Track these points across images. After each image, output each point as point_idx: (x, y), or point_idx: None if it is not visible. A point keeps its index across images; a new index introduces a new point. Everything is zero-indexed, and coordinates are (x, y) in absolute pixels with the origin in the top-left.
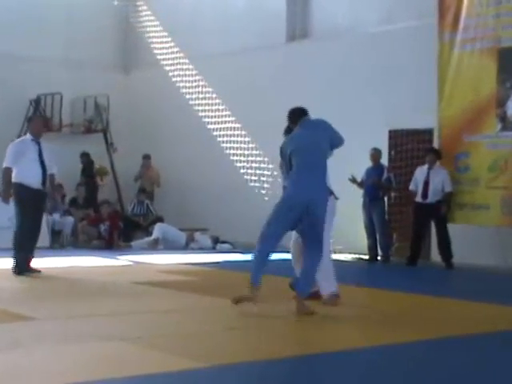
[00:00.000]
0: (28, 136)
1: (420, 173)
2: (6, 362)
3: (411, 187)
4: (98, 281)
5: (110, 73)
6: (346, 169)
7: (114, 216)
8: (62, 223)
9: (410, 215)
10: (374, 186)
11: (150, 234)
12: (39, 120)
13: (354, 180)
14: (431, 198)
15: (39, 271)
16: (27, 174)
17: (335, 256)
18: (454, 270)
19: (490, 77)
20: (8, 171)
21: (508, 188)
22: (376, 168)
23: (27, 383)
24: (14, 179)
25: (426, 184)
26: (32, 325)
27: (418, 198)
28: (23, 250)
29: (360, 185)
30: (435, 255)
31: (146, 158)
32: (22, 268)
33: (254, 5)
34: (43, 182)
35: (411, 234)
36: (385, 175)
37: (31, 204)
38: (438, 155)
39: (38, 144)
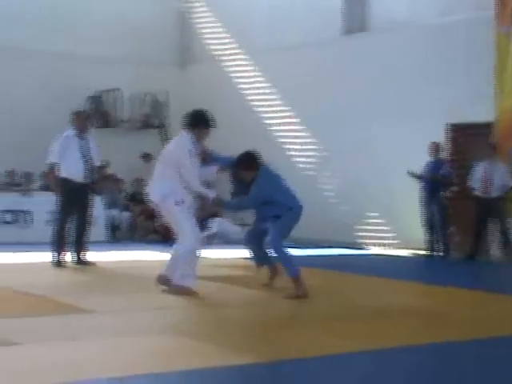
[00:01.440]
0: (72, 131)
1: (479, 169)
2: (66, 353)
3: (470, 183)
4: (153, 275)
5: (168, 68)
6: (403, 162)
7: None
8: (119, 218)
9: (471, 211)
10: (434, 181)
11: (207, 228)
12: (82, 115)
13: (412, 174)
14: (492, 194)
15: (94, 264)
16: (71, 169)
17: (393, 251)
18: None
19: None
20: (54, 166)
21: None
22: (436, 162)
23: (85, 374)
24: (60, 174)
25: (487, 180)
26: (91, 317)
27: (478, 194)
28: (63, 243)
29: (420, 178)
30: (494, 250)
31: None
32: (60, 261)
33: None
34: (87, 176)
35: (472, 230)
36: (444, 169)
37: (76, 198)
38: (496, 150)
39: (82, 139)
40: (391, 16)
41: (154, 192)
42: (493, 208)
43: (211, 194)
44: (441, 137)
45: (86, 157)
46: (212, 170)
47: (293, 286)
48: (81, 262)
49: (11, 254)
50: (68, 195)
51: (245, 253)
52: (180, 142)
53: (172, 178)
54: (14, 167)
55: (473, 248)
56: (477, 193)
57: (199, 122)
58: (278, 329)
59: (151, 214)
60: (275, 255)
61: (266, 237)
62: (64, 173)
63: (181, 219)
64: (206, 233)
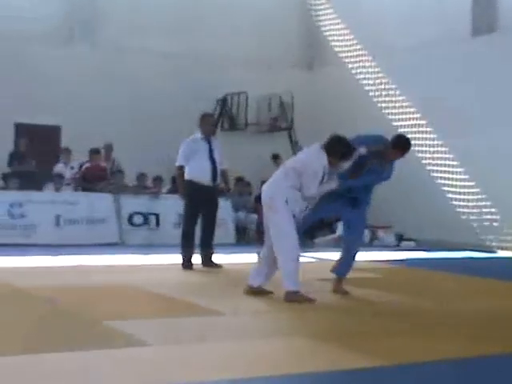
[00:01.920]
0: (198, 134)
1: None
2: (193, 354)
3: None
4: (279, 277)
5: (294, 71)
6: None
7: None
8: (246, 220)
9: None
10: None
11: (334, 231)
12: (209, 119)
13: None
14: None
15: (220, 266)
16: (198, 171)
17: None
18: None
19: None
20: (181, 169)
21: None
22: None
23: (211, 375)
24: (186, 177)
25: None
26: (220, 319)
27: None
28: (190, 245)
29: None
30: None
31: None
32: (188, 263)
33: None
34: (214, 179)
35: None
36: None
37: (202, 200)
38: None
39: (209, 142)
40: None
41: (265, 192)
42: None
43: (334, 183)
44: None
45: (212, 160)
46: (362, 150)
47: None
48: (208, 264)
49: (141, 255)
50: (194, 198)
51: (371, 255)
52: (317, 155)
53: (287, 181)
54: (144, 170)
55: None
56: None
57: (334, 151)
58: (402, 332)
59: None
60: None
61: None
62: (190, 175)
63: (283, 221)
64: (331, 236)
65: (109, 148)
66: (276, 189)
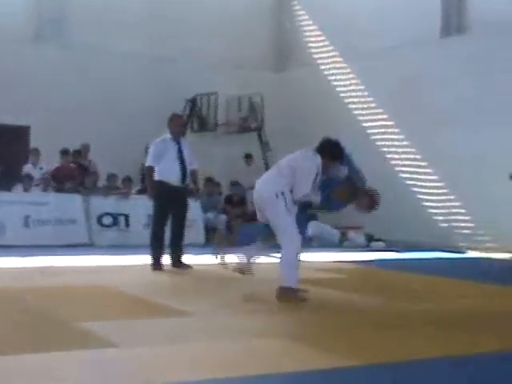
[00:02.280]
0: (168, 135)
1: None
2: (165, 355)
3: None
4: (250, 278)
5: (264, 72)
6: (502, 168)
7: None
8: (216, 221)
9: None
10: None
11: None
12: (178, 119)
13: None
14: None
15: (190, 267)
16: (168, 172)
17: (492, 255)
18: None
19: None
20: (150, 170)
21: None
22: None
23: (185, 376)
24: (156, 177)
25: None
26: (190, 320)
27: None
28: (160, 246)
29: None
30: None
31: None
32: (158, 263)
33: (408, 1)
34: (183, 179)
35: None
36: None
37: (171, 201)
38: None
39: (178, 142)
40: (492, 17)
41: (261, 190)
42: None
43: (318, 198)
44: None
45: (181, 160)
46: (344, 171)
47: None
48: (178, 264)
49: (110, 256)
50: (163, 198)
51: (341, 256)
52: (311, 155)
53: (282, 178)
54: (115, 171)
55: None
56: None
57: (325, 151)
58: (376, 332)
59: (248, 217)
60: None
61: None
62: (160, 176)
63: (283, 218)
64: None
65: (86, 148)
66: (273, 185)
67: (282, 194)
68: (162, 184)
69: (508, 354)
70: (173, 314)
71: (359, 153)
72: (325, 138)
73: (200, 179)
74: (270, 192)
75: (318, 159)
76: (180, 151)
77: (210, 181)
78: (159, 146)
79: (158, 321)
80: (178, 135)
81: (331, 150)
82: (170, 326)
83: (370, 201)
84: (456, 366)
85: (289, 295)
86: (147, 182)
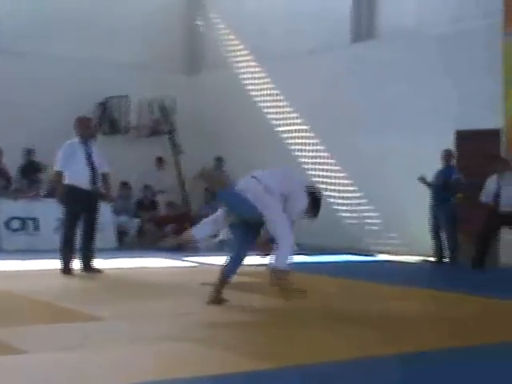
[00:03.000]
0: (76, 138)
1: (491, 183)
2: (74, 361)
3: (483, 198)
4: (165, 281)
5: (176, 75)
6: (413, 169)
7: (181, 217)
8: (128, 224)
9: (482, 220)
10: (443, 187)
11: (216, 235)
12: (84, 122)
13: (423, 180)
14: (506, 208)
15: (101, 271)
16: (77, 176)
17: (401, 258)
18: None
19: None
20: (59, 174)
21: None
22: (447, 169)
23: (93, 382)
24: (66, 181)
25: (498, 193)
26: (101, 325)
27: (494, 207)
28: (70, 251)
29: (429, 185)
30: (505, 259)
31: (219, 160)
32: (68, 268)
33: (321, 6)
34: (93, 182)
35: (479, 238)
36: (454, 176)
37: (82, 205)
38: (506, 163)
39: (87, 145)
40: (400, 24)
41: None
42: (507, 221)
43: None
44: (450, 144)
45: (90, 163)
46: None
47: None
48: (88, 269)
49: (19, 261)
50: (74, 202)
51: (254, 260)
52: (303, 196)
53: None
54: None
55: (481, 256)
56: (492, 207)
57: (313, 210)
58: (291, 334)
59: (160, 221)
60: None
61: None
62: (69, 180)
63: (275, 208)
64: (214, 240)
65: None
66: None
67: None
68: (72, 188)
69: (420, 354)
70: (82, 319)
71: (272, 155)
72: (319, 195)
73: (114, 184)
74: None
75: (306, 204)
76: (89, 154)
77: (125, 185)
78: (67, 149)
79: (68, 326)
80: (85, 138)
81: (317, 211)
82: (80, 331)
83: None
84: (369, 366)
85: (282, 277)
86: (56, 187)
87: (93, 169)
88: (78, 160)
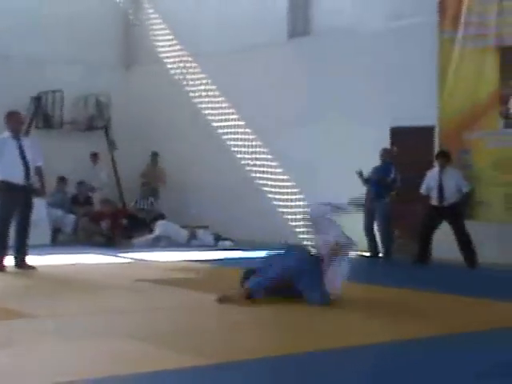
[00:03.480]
0: (7, 133)
1: (432, 176)
2: (5, 359)
3: (422, 191)
4: (99, 278)
5: (111, 70)
6: (347, 166)
7: (116, 213)
8: (63, 220)
9: (421, 215)
10: (380, 184)
11: (152, 231)
12: (15, 116)
13: (361, 175)
14: (447, 201)
15: (34, 268)
16: (10, 171)
17: None
18: (476, 269)
19: (492, 74)
20: None
21: (510, 185)
22: (384, 167)
23: (26, 381)
24: None
25: (440, 188)
26: (33, 322)
27: (434, 202)
28: (4, 247)
29: (365, 181)
30: (439, 254)
31: (154, 155)
32: (1, 265)
33: (257, 2)
34: (27, 177)
35: (420, 234)
36: (392, 174)
37: (15, 200)
38: (448, 158)
39: (18, 140)
40: (335, 21)
41: None
42: (448, 214)
43: None
44: (385, 141)
45: (23, 158)
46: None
47: None
48: (22, 265)
49: None
50: (7, 198)
51: (189, 255)
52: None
53: None
54: None
55: (422, 252)
56: (432, 202)
57: None
58: (226, 331)
59: (96, 216)
60: None
61: None
62: (2, 175)
63: None
64: (149, 236)
65: None
66: None
67: None
68: (4, 184)
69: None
70: (15, 316)
71: (209, 153)
72: None
73: (51, 179)
74: None
75: None
76: (21, 149)
77: (62, 180)
78: None
79: None
80: (17, 133)
81: None
82: (13, 329)
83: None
84: (300, 362)
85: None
86: None
87: (26, 163)
88: (9, 155)
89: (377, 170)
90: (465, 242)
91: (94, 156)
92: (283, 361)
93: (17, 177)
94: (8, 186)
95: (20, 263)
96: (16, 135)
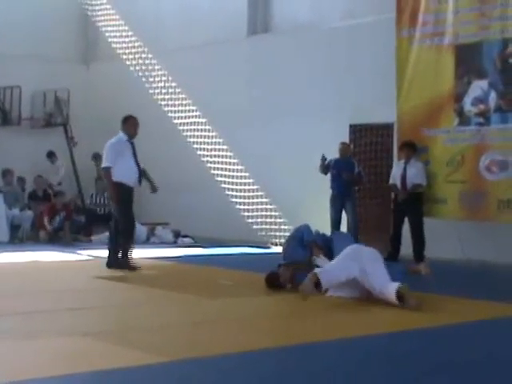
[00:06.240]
0: None
1: (397, 168)
2: None
3: (391, 182)
4: (57, 276)
5: (70, 67)
6: (307, 163)
7: (68, 206)
8: (21, 217)
9: (381, 210)
10: (349, 181)
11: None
12: None
13: (324, 159)
14: (410, 189)
15: None
16: None
17: None
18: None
19: (448, 72)
20: None
21: (465, 182)
22: (346, 162)
23: None
24: None
25: (403, 179)
26: None
27: (397, 194)
28: None
29: (325, 168)
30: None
31: (95, 157)
32: None
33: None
34: None
35: (392, 234)
36: (356, 170)
37: None
38: (413, 149)
39: None
40: (295, 18)
41: None
42: (406, 208)
43: None
44: (345, 137)
45: None
46: None
47: None
48: None
49: None
50: None
51: (148, 252)
52: None
53: None
54: None
55: (394, 249)
56: (397, 194)
57: None
58: (188, 328)
59: (50, 211)
60: None
61: None
62: None
63: None
64: (107, 233)
65: None
66: None
67: None
68: None
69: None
70: None
71: (170, 149)
72: None
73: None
74: None
75: None
76: None
77: (8, 172)
78: None
79: None
80: None
81: None
82: None
83: None
84: (258, 359)
85: None
86: None
87: None
88: None
89: (338, 164)
90: (416, 236)
91: (50, 154)
92: (243, 357)
93: None
94: None
95: None
96: None
